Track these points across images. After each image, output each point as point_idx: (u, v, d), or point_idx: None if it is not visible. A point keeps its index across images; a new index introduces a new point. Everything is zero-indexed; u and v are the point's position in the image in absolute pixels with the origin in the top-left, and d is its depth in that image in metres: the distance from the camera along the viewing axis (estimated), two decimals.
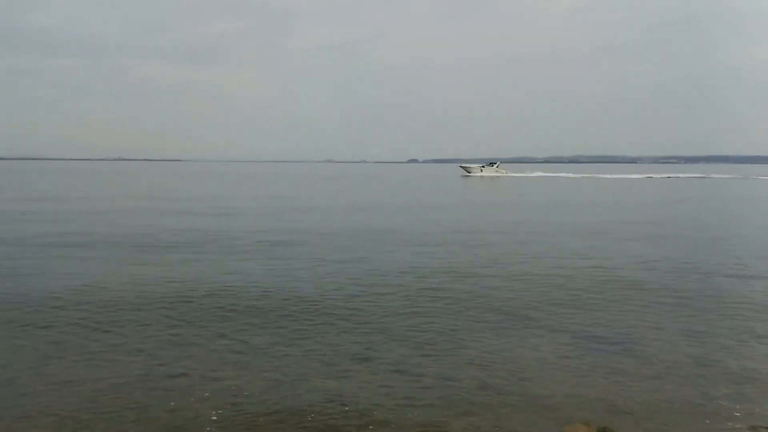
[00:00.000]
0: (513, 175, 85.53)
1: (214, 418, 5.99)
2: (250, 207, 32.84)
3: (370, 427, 5.83)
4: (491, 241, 18.79)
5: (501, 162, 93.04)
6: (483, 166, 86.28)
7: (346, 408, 6.20)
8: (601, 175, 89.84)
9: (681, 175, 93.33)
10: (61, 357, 7.67)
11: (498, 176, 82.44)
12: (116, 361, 7.51)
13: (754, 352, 8.03)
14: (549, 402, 6.38)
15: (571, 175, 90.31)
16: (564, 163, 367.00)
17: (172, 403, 6.30)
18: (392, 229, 21.71)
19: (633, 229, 22.76)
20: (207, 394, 6.52)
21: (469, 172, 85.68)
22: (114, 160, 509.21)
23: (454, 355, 7.81)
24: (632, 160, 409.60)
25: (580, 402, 6.38)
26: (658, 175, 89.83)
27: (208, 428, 5.80)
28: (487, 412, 6.14)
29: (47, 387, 6.72)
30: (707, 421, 5.98)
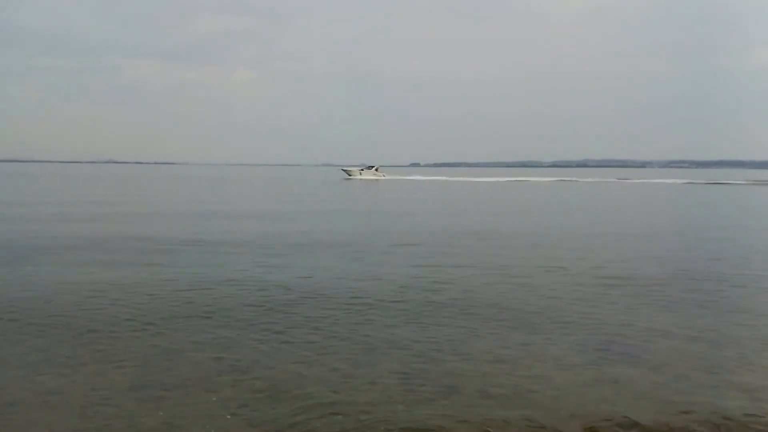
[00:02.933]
0: (391, 178, 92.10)
1: (209, 429, 6.01)
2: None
3: None
4: (479, 245, 19.00)
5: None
6: (362, 170, 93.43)
7: (345, 417, 6.23)
8: (475, 179, 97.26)
9: (570, 179, 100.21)
10: (49, 366, 7.66)
11: (376, 179, 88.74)
12: (107, 371, 7.50)
13: None
14: (554, 412, 6.40)
15: (444, 178, 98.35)
16: (572, 167, 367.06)
17: (165, 414, 6.30)
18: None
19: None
20: (201, 404, 6.52)
21: (350, 175, 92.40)
22: (104, 162, 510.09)
23: (456, 363, 7.86)
24: (642, 164, 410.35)
25: (586, 412, 6.40)
26: (531, 178, 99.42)
27: None
28: (489, 421, 6.18)
29: (35, 397, 6.72)
30: None
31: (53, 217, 27.86)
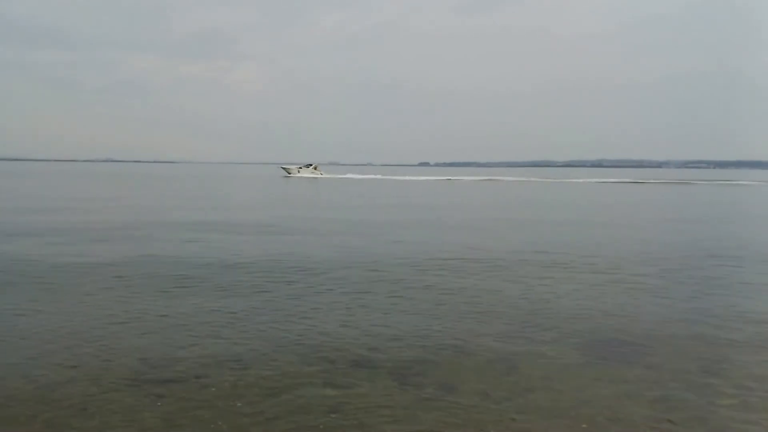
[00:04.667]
0: (328, 176, 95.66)
1: (208, 424, 6.13)
2: None
3: None
4: (492, 245, 18.48)
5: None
6: (300, 168, 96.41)
7: (344, 417, 6.36)
8: (402, 177, 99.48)
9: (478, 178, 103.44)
10: (48, 360, 7.84)
11: (314, 177, 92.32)
12: (106, 365, 7.68)
13: (765, 361, 8.19)
14: (552, 411, 6.54)
15: (379, 176, 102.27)
16: (586, 167, 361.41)
17: (164, 409, 6.46)
18: None
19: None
20: (200, 400, 6.68)
21: (289, 173, 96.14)
22: (102, 161, 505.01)
23: (456, 362, 7.98)
24: (658, 164, 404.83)
25: (584, 411, 6.54)
26: (425, 177, 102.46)
27: None
28: (489, 422, 6.30)
29: (35, 391, 6.89)
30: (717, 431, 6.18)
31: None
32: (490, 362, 7.98)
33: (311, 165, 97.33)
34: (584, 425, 6.18)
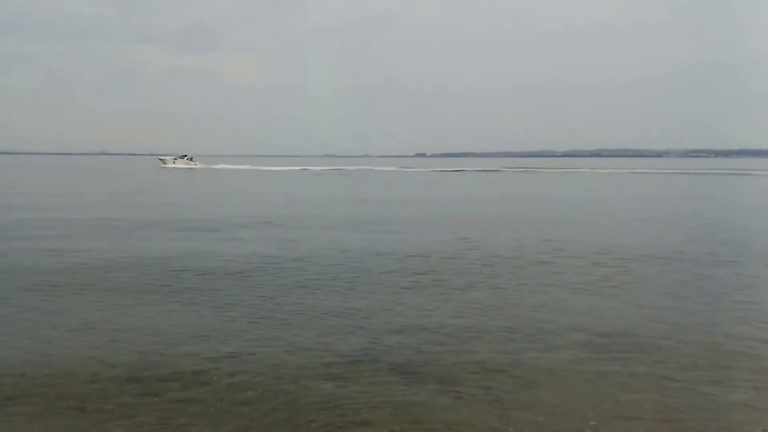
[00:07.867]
0: (203, 166, 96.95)
1: (207, 421, 6.13)
2: None
3: None
4: (501, 234, 18.31)
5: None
6: (176, 159, 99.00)
7: (344, 412, 6.32)
8: (268, 168, 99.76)
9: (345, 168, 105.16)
10: (46, 358, 7.84)
11: (189, 168, 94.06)
12: (104, 362, 7.66)
13: None
14: (557, 408, 6.44)
15: (249, 167, 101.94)
16: (585, 157, 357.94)
17: (163, 406, 6.45)
18: None
19: None
20: (199, 397, 6.66)
21: (165, 164, 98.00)
22: (97, 154, 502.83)
23: (458, 357, 7.87)
24: (658, 154, 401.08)
25: (591, 407, 6.45)
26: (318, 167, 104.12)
27: None
28: (492, 417, 6.22)
29: (32, 389, 6.90)
30: (725, 427, 6.09)
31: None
32: (493, 356, 7.83)
33: (186, 156, 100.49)
34: (593, 422, 6.06)
